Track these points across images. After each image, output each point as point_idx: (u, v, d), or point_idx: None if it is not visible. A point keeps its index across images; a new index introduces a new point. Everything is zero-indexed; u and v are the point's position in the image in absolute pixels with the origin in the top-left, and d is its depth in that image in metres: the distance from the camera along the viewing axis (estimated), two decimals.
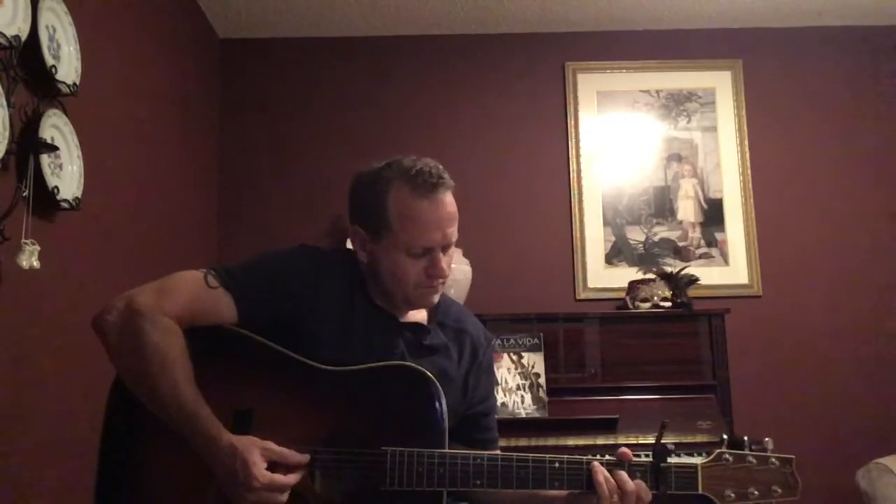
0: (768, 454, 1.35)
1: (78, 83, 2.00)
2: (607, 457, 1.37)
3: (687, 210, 3.42)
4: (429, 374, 1.37)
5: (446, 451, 1.34)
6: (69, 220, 2.03)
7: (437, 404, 1.35)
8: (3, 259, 1.75)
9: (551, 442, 2.67)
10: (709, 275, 3.25)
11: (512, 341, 2.87)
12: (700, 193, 3.44)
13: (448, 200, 1.43)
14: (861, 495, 2.57)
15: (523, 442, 2.65)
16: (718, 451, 1.36)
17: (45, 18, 1.88)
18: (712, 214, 3.41)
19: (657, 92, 3.49)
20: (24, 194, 1.80)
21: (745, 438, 1.39)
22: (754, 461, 1.35)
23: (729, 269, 3.36)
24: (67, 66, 1.98)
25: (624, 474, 1.34)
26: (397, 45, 3.51)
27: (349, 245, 1.55)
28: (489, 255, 3.20)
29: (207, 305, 1.38)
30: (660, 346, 2.91)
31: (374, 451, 1.32)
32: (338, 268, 1.49)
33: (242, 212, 3.39)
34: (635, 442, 2.65)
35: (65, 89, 1.94)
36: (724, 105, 3.48)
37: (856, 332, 3.28)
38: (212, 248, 3.31)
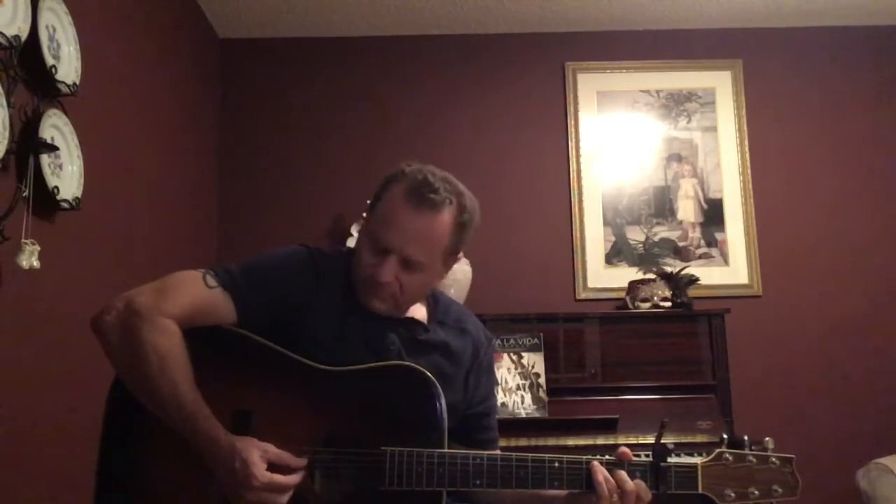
0: (768, 454, 1.35)
1: (78, 83, 2.00)
2: (607, 456, 1.37)
3: (687, 210, 3.42)
4: (428, 374, 1.37)
5: (446, 451, 1.34)
6: (69, 220, 2.03)
7: (436, 404, 1.35)
8: (3, 259, 1.76)
9: (551, 442, 2.67)
10: (709, 275, 3.25)
11: (512, 341, 2.87)
12: (700, 193, 3.43)
13: (426, 220, 1.40)
14: (861, 495, 2.57)
15: (523, 442, 2.65)
16: (718, 450, 1.36)
17: (45, 18, 1.88)
18: (712, 214, 3.41)
19: (657, 92, 3.49)
20: (24, 194, 1.81)
21: (745, 438, 1.38)
22: (754, 461, 1.34)
23: (729, 269, 3.36)
24: (67, 66, 1.98)
25: (623, 474, 1.33)
26: (397, 45, 3.51)
27: (349, 245, 1.56)
28: (489, 254, 3.20)
29: (207, 306, 1.37)
30: (660, 346, 2.92)
31: (373, 451, 1.32)
32: (337, 268, 1.49)
33: (242, 212, 3.39)
34: (635, 442, 2.64)
35: (65, 89, 1.95)
36: (724, 105, 3.48)
37: (855, 332, 3.28)
38: (212, 248, 3.31)
